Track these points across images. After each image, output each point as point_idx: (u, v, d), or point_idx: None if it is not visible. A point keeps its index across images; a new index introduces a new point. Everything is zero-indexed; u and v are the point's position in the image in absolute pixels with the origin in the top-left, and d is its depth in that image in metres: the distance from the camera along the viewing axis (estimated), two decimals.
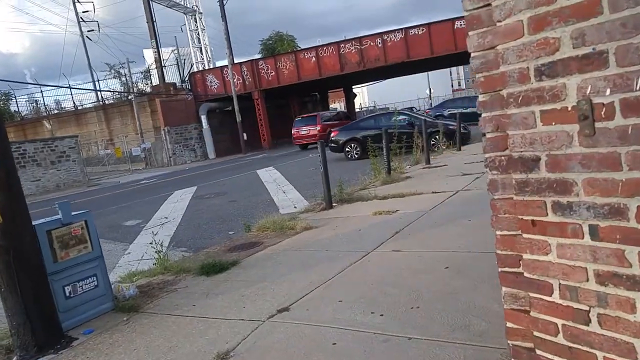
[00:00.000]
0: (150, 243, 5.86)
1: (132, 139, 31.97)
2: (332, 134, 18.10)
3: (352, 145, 17.14)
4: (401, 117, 16.39)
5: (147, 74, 42.25)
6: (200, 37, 45.73)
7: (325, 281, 4.31)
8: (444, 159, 12.23)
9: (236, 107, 32.27)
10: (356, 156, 16.91)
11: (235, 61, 36.36)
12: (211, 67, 42.52)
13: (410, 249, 4.95)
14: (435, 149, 14.81)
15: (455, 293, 3.58)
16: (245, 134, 32.97)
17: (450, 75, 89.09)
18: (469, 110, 24.77)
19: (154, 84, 35.04)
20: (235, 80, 33.51)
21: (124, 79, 40.48)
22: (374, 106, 70.60)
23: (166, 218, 9.90)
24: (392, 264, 4.58)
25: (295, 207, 9.14)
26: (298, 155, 23.58)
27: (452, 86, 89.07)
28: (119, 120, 33.62)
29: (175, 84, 33.95)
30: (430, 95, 64.39)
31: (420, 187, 8.52)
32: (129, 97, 33.07)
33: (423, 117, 16.74)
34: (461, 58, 40.05)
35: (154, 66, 34.66)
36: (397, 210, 6.85)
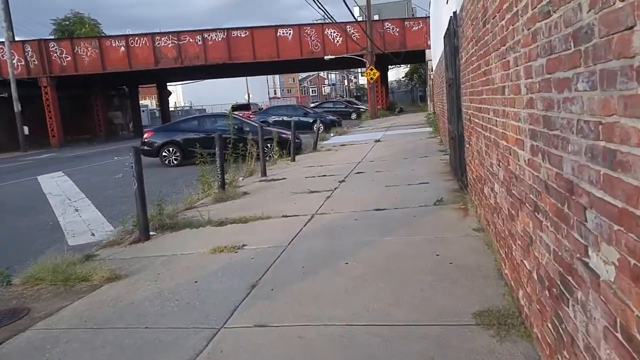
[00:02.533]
0: None
1: None
2: (145, 135, 15.23)
3: (171, 149, 14.62)
4: (226, 120, 14.60)
5: None
6: None
7: None
8: (280, 171, 10.82)
9: (14, 94, 25.99)
10: (175, 162, 14.46)
11: (17, 38, 29.61)
12: None
13: (282, 322, 3.23)
14: (267, 159, 13.36)
15: None
16: (26, 128, 26.79)
17: (267, 83, 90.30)
18: (295, 118, 24.28)
19: None
20: (15, 61, 27.08)
21: None
22: (190, 106, 66.73)
23: None
24: (259, 356, 2.79)
25: (93, 236, 6.57)
26: (99, 157, 19.69)
27: (269, 94, 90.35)
28: None
29: None
30: (248, 101, 63.57)
31: (265, 207, 6.85)
32: None
33: (257, 124, 15.19)
34: (282, 67, 40.29)
35: None
36: (244, 245, 5.05)
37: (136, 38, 31.16)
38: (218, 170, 8.45)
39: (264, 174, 10.29)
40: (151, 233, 5.88)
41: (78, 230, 6.94)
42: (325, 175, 9.29)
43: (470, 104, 4.77)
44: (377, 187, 7.49)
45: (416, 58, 35.19)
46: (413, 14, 47.33)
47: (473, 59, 4.24)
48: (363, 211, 5.98)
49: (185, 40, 31.04)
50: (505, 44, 2.68)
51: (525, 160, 2.43)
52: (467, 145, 5.51)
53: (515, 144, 2.62)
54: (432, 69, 21.88)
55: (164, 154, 14.65)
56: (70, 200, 9.58)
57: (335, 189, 7.72)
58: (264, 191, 8.42)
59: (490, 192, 3.88)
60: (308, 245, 4.87)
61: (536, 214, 2.28)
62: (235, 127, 14.09)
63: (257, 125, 14.83)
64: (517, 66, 2.40)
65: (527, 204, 2.51)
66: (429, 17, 25.61)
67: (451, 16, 5.78)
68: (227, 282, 4.05)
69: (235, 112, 14.22)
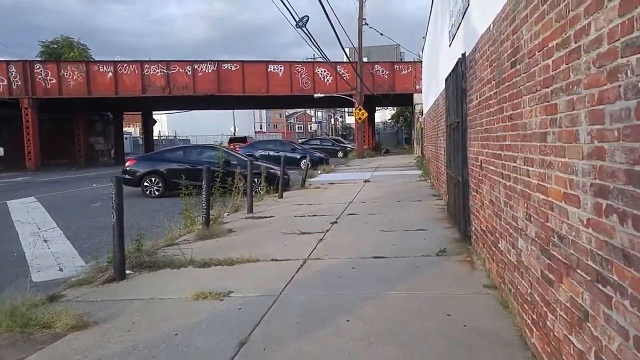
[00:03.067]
0: None
1: None
2: (127, 163, 14.69)
3: (153, 179, 14.07)
4: (213, 152, 14.21)
5: None
6: None
7: None
8: (267, 208, 10.36)
9: None
10: (157, 193, 13.89)
11: (1, 58, 29.20)
12: None
13: None
14: (255, 195, 12.92)
15: None
16: (2, 149, 25.96)
17: (254, 117, 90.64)
18: (281, 154, 23.98)
19: None
20: None
21: None
22: (174, 136, 66.25)
23: None
24: None
25: (61, 271, 6.00)
26: (76, 183, 18.96)
27: (255, 128, 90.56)
28: None
29: None
30: (234, 134, 63.41)
31: (253, 248, 6.37)
32: None
33: (246, 157, 14.82)
34: (271, 102, 40.42)
35: None
36: (230, 292, 4.56)
37: (125, 65, 30.99)
38: (204, 204, 7.97)
39: (250, 210, 9.83)
40: (127, 272, 5.34)
41: (45, 264, 6.33)
42: (315, 215, 8.87)
43: (483, 149, 4.47)
44: (372, 231, 7.09)
45: (404, 101, 35.69)
46: (401, 58, 48.39)
47: (491, 102, 3.96)
48: (360, 258, 5.55)
49: (174, 69, 30.99)
50: (550, 85, 2.38)
51: (581, 220, 2.08)
52: (474, 193, 5.19)
53: (563, 200, 2.28)
54: (421, 112, 22.01)
55: (145, 184, 14.09)
56: (39, 229, 8.93)
57: (327, 230, 7.29)
58: (250, 230, 7.93)
59: (510, 248, 3.51)
60: (303, 296, 4.40)
61: (600, 286, 1.90)
62: (223, 160, 13.83)
63: (245, 159, 14.47)
64: (574, 110, 2.08)
65: (579, 271, 2.14)
66: (420, 61, 26.07)
67: (459, 58, 5.58)
68: (212, 337, 3.55)
69: (231, 145, 13.86)
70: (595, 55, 1.82)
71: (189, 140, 59.85)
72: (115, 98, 31.08)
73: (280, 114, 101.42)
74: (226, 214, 9.95)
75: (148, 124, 43.64)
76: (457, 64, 5.83)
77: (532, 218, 2.83)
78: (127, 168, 14.45)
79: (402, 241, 6.32)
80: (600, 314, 1.97)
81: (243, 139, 39.82)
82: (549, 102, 2.41)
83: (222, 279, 5.08)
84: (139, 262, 5.67)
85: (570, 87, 2.09)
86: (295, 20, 13.09)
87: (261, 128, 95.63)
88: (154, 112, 44.40)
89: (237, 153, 15.33)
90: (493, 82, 3.85)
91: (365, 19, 29.17)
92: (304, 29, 13.26)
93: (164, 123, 71.59)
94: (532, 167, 2.75)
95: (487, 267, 4.59)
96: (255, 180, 13.38)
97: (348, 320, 3.73)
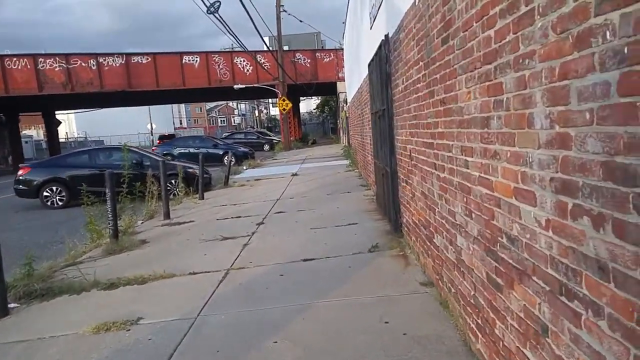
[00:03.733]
0: None
1: None
2: (19, 172, 13.05)
3: (54, 188, 12.63)
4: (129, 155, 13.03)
5: None
6: None
7: None
8: (187, 212, 9.59)
9: None
10: (60, 203, 12.50)
11: None
12: None
13: None
14: (171, 197, 12.01)
15: None
16: None
17: (172, 112, 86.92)
18: (202, 150, 22.85)
19: None
20: None
21: None
22: (85, 137, 61.68)
23: None
24: None
25: None
26: None
27: (174, 124, 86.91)
28: None
29: None
30: (151, 131, 60.29)
31: (168, 261, 5.71)
32: None
33: (159, 157, 13.74)
34: (188, 95, 38.57)
35: None
36: (139, 319, 3.92)
37: (14, 59, 27.84)
38: (109, 215, 7.09)
39: (167, 216, 9.00)
40: (12, 305, 4.49)
41: None
42: (240, 217, 8.26)
43: (412, 138, 4.15)
44: (301, 229, 6.64)
45: (328, 90, 35.56)
46: (323, 46, 48.18)
47: (419, 85, 3.62)
48: (289, 263, 5.08)
49: (76, 64, 28.37)
50: (493, 61, 2.02)
51: (538, 221, 1.74)
52: (404, 184, 4.89)
53: (514, 195, 1.93)
54: (345, 101, 21.90)
55: (45, 193, 12.60)
56: None
57: (253, 233, 6.74)
58: (167, 238, 7.18)
59: (447, 244, 3.19)
60: (224, 316, 3.85)
61: (565, 299, 1.57)
62: (134, 161, 12.71)
63: (159, 159, 13.44)
64: (525, 89, 1.72)
65: (536, 279, 1.81)
66: (341, 49, 25.92)
67: (382, 40, 5.24)
68: None
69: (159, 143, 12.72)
70: (556, 17, 1.45)
71: (103, 141, 56.03)
72: (5, 97, 27.85)
73: (201, 108, 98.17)
74: (140, 222, 9.06)
75: (51, 126, 39.71)
76: (380, 47, 5.48)
77: (473, 214, 2.50)
78: (21, 177, 12.83)
79: (333, 238, 5.93)
80: (564, 331, 1.64)
81: (172, 137, 37.83)
82: (491, 81, 2.05)
83: (131, 302, 4.40)
84: (29, 292, 4.82)
85: (521, 61, 1.73)
86: (206, 6, 12.23)
87: (181, 124, 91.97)
88: (57, 113, 40.70)
89: (150, 153, 14.19)
90: (421, 64, 3.50)
91: (283, 5, 28.45)
92: (216, 15, 12.43)
93: (72, 124, 66.53)
94: (472, 157, 2.41)
95: (422, 261, 4.30)
96: (173, 181, 12.50)
97: (276, 342, 3.26)
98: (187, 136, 32.84)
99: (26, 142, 48.31)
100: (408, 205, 4.78)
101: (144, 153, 13.56)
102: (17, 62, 27.55)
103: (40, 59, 27.87)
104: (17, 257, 7.08)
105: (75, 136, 63.32)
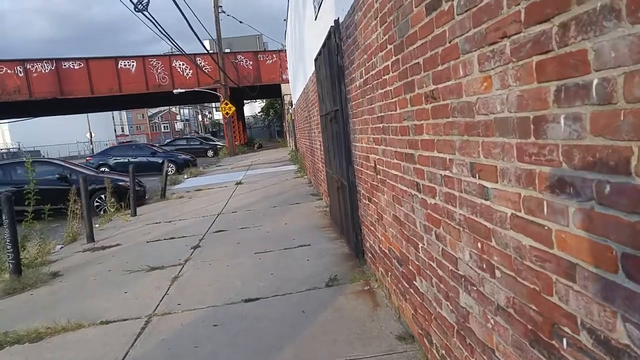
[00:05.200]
0: None
1: None
2: None
3: None
4: (45, 167, 11.40)
5: None
6: None
7: None
8: (114, 232, 8.27)
9: None
10: None
11: None
12: None
13: None
14: (101, 214, 10.59)
15: None
16: None
17: (113, 119, 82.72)
18: (138, 159, 21.15)
19: None
20: None
21: None
22: (19, 148, 57.01)
23: None
24: None
25: None
26: None
27: (116, 131, 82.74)
28: None
29: None
30: (91, 140, 56.65)
31: (78, 304, 4.57)
32: None
33: (81, 169, 12.19)
34: (126, 102, 36.24)
35: None
36: None
37: None
38: (8, 244, 5.75)
39: (90, 239, 7.68)
40: None
41: None
42: (173, 237, 7.10)
43: (377, 145, 3.24)
44: (244, 254, 5.60)
45: (272, 92, 34.43)
46: (264, 49, 46.95)
47: (387, 77, 2.71)
48: (227, 305, 4.03)
49: (1, 71, 25.88)
50: (556, 13, 1.12)
51: None
52: (367, 202, 3.98)
53: (614, 265, 1.03)
54: (291, 103, 20.93)
55: None
56: None
57: (186, 260, 5.63)
58: (84, 269, 5.92)
59: (440, 297, 2.29)
60: None
61: None
62: (57, 175, 11.19)
63: (86, 172, 11.91)
64: None
65: None
66: (283, 50, 24.91)
67: (332, 27, 4.30)
68: None
69: None
70: None
71: (39, 152, 52.06)
72: None
73: (143, 115, 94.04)
74: (59, 246, 7.70)
75: None
76: (328, 36, 4.54)
77: (499, 272, 1.59)
78: None
79: (281, 266, 4.93)
80: None
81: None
82: (551, 51, 1.15)
83: None
84: None
85: None
86: (134, 3, 10.87)
87: (123, 131, 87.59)
88: None
89: (77, 166, 12.57)
90: (389, 47, 2.59)
91: (221, 6, 27.03)
92: (144, 13, 11.10)
93: (6, 134, 61.61)
94: (497, 182, 1.50)
95: (394, 303, 3.40)
96: (103, 196, 11.06)
97: None
98: (124, 144, 30.61)
99: None
100: (373, 228, 3.87)
101: (68, 166, 11.96)
102: None
103: None
104: None
105: (8, 147, 58.43)
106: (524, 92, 1.29)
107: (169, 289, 4.67)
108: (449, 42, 1.75)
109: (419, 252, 2.54)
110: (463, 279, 1.93)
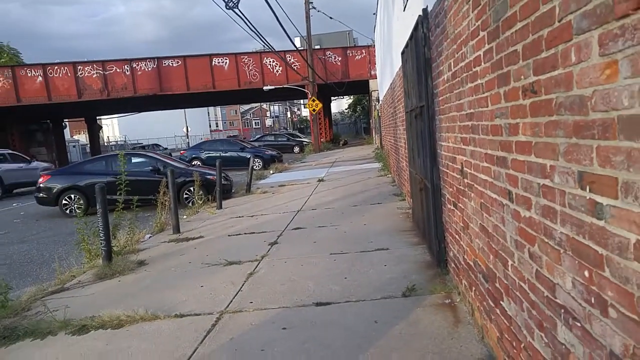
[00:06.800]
0: None
1: None
2: (40, 180, 12.53)
3: (73, 196, 12.01)
4: (139, 159, 12.22)
5: None
6: None
7: None
8: (199, 224, 8.59)
9: None
10: (78, 212, 11.81)
11: None
12: None
13: None
14: (189, 206, 11.11)
15: None
16: None
17: (208, 115, 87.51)
18: (228, 154, 22.04)
19: None
20: None
21: None
22: (125, 141, 62.56)
23: None
24: None
25: None
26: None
27: (210, 126, 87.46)
28: None
29: None
30: (187, 134, 60.49)
31: (158, 293, 4.75)
32: None
33: (173, 162, 12.90)
34: (218, 98, 38.04)
35: None
36: None
37: (55, 67, 28.12)
38: (101, 234, 6.16)
39: (176, 230, 8.03)
40: None
41: None
42: (253, 232, 7.18)
43: (465, 146, 2.91)
44: (319, 255, 5.47)
45: (359, 89, 34.24)
46: (354, 45, 46.81)
47: (477, 69, 2.39)
48: (298, 307, 3.92)
49: (111, 70, 28.40)
50: None
51: None
52: (452, 207, 3.64)
53: None
54: (377, 99, 20.59)
55: (64, 202, 12.01)
56: None
57: (263, 257, 5.63)
58: (167, 260, 6.17)
59: (532, 325, 1.95)
60: None
61: None
62: (150, 168, 11.91)
63: (179, 165, 12.59)
64: None
65: None
66: (372, 45, 24.56)
67: (419, 17, 4.00)
68: None
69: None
70: None
71: (142, 144, 56.64)
72: (50, 104, 28.20)
73: (236, 111, 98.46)
74: (147, 235, 8.15)
75: (93, 130, 40.60)
76: (415, 27, 4.24)
77: (612, 310, 1.26)
78: (41, 185, 12.30)
79: (356, 270, 4.72)
80: None
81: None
82: None
83: (98, 357, 3.39)
84: None
85: None
86: (225, 1, 11.23)
87: (217, 126, 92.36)
88: (98, 117, 41.25)
89: (168, 159, 13.30)
90: (482, 34, 2.28)
91: (312, 2, 27.26)
92: (235, 10, 11.43)
93: (115, 128, 67.82)
94: (617, 199, 1.17)
95: (478, 321, 3.05)
96: (192, 189, 11.60)
97: None
98: (216, 139, 32.10)
99: (73, 146, 49.49)
100: (457, 237, 3.53)
101: (161, 159, 12.71)
102: (59, 70, 27.91)
103: (80, 67, 28.18)
104: (15, 275, 6.36)
105: (117, 140, 64.32)
106: None
107: (243, 285, 4.67)
108: (559, 21, 1.43)
109: (508, 270, 2.20)
110: (562, 310, 1.59)
